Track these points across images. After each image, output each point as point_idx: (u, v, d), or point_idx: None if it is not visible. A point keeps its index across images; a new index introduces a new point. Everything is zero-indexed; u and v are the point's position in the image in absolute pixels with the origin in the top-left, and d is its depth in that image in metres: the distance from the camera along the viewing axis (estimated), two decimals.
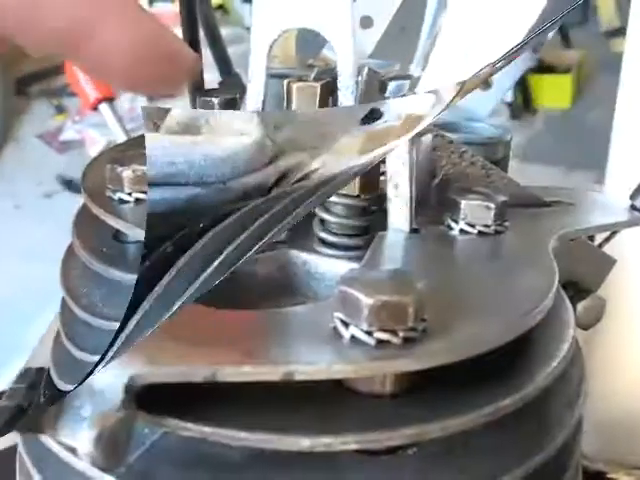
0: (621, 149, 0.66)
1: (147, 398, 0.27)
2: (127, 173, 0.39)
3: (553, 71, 3.47)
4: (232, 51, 0.59)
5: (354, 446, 0.27)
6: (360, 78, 0.40)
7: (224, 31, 0.59)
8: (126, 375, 0.26)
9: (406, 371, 0.28)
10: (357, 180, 0.39)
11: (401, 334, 0.27)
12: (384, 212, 0.40)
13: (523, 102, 3.35)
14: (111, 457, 0.24)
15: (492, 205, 0.39)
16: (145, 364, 0.26)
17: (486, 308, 0.32)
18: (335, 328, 0.28)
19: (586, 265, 0.49)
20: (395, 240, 0.38)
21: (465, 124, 0.53)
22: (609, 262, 0.51)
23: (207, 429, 0.27)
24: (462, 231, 0.39)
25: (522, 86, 3.33)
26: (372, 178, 0.39)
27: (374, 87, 0.42)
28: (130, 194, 0.39)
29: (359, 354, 0.27)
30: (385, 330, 0.27)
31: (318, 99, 0.39)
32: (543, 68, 3.44)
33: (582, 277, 0.49)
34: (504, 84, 0.55)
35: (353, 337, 0.27)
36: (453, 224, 0.40)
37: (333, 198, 0.39)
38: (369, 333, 0.27)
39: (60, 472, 0.31)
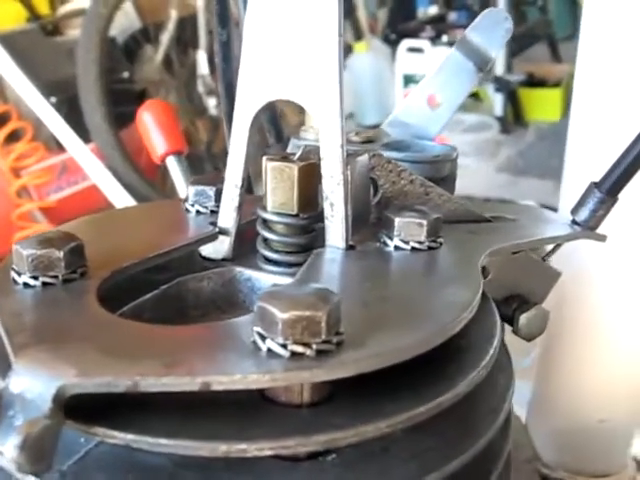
0: (575, 161, 0.68)
1: (78, 408, 0.29)
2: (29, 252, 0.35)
3: (543, 85, 3.50)
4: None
5: (268, 452, 0.29)
6: (349, 169, 0.40)
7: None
8: (55, 386, 0.28)
9: (319, 381, 0.30)
10: (296, 199, 0.41)
11: (314, 347, 0.29)
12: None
13: (514, 116, 3.38)
14: (36, 463, 0.26)
15: (425, 222, 0.41)
16: (73, 375, 0.28)
17: (408, 320, 0.34)
18: (254, 342, 0.30)
19: (531, 278, 0.51)
20: (331, 257, 0.40)
21: (415, 142, 0.55)
22: (554, 275, 0.53)
23: (131, 436, 0.29)
24: (397, 247, 0.41)
25: (512, 100, 3.36)
26: (310, 198, 0.41)
27: (364, 183, 0.43)
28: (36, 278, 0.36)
29: (274, 365, 0.29)
30: (299, 343, 0.29)
31: (297, 183, 0.40)
32: (533, 82, 3.48)
33: (527, 290, 0.51)
34: (453, 103, 0.56)
35: (270, 350, 0.29)
36: (388, 241, 0.42)
37: (273, 217, 0.41)
38: (284, 346, 0.29)
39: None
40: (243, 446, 0.28)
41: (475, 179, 2.79)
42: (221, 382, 0.28)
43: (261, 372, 0.29)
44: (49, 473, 0.30)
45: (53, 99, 2.27)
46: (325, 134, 0.39)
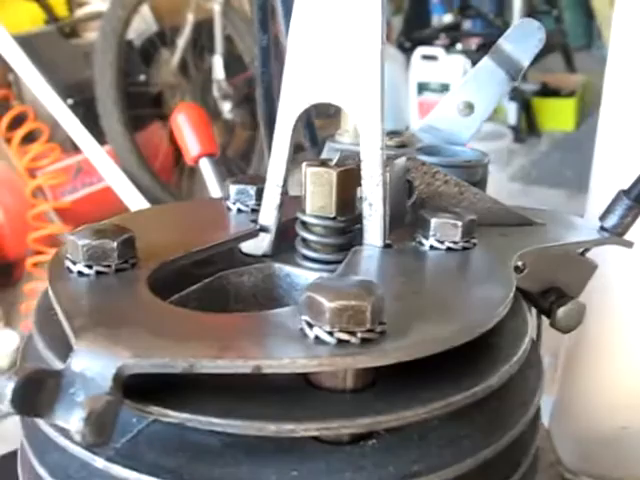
0: (602, 168, 0.69)
1: (135, 389, 0.31)
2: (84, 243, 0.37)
3: (557, 95, 3.51)
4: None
5: (314, 433, 0.30)
6: (387, 170, 0.41)
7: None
8: (115, 366, 0.29)
9: (362, 367, 0.31)
10: (334, 203, 0.42)
11: (359, 335, 0.31)
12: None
13: (527, 125, 3.40)
14: (98, 435, 0.28)
15: (460, 223, 0.43)
16: (131, 356, 0.30)
17: (444, 314, 0.36)
18: (302, 329, 0.32)
19: (567, 271, 0.53)
20: (368, 254, 0.42)
21: (447, 148, 0.57)
22: (590, 267, 0.54)
23: (185, 415, 0.30)
24: (432, 247, 0.43)
25: (526, 109, 3.37)
26: (347, 201, 0.43)
27: (401, 184, 0.45)
28: (90, 267, 0.37)
29: (321, 351, 0.30)
30: (345, 331, 0.31)
31: (335, 187, 0.41)
32: (547, 92, 3.49)
33: (564, 283, 0.52)
34: (485, 109, 0.58)
35: (317, 337, 0.31)
36: (424, 240, 0.43)
37: (312, 220, 0.43)
38: (331, 333, 0.31)
39: (60, 460, 0.35)
40: (291, 426, 0.30)
41: (488, 188, 2.80)
42: (271, 366, 0.30)
43: (309, 357, 0.30)
44: (105, 450, 0.31)
45: (70, 101, 2.30)
46: (365, 137, 0.40)
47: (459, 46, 3.41)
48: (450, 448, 0.34)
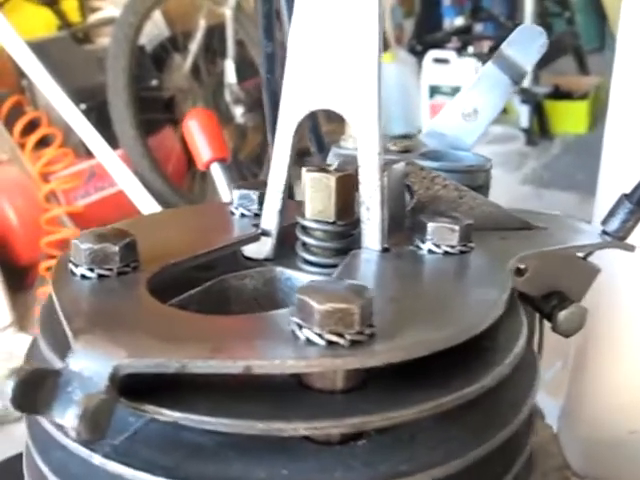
0: (609, 173, 0.70)
1: (131, 388, 0.32)
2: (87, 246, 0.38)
3: (570, 97, 3.50)
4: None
5: (303, 432, 0.31)
6: (386, 175, 0.42)
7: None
8: (111, 365, 0.30)
9: (351, 368, 0.32)
10: (333, 208, 0.43)
11: (348, 337, 0.32)
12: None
13: (539, 128, 3.39)
14: (93, 432, 0.29)
15: (457, 227, 0.43)
16: (127, 357, 0.31)
17: (437, 317, 0.37)
18: (293, 331, 0.32)
19: (570, 275, 0.53)
20: (366, 257, 0.43)
21: (451, 153, 0.58)
22: (592, 271, 0.55)
23: (178, 414, 0.31)
24: (429, 251, 0.44)
25: (539, 112, 3.36)
26: (347, 206, 0.44)
27: (399, 189, 0.46)
28: (92, 270, 0.38)
29: (311, 352, 0.31)
30: (334, 333, 0.32)
31: (334, 192, 0.42)
32: (560, 94, 3.49)
33: (566, 286, 0.53)
34: (488, 114, 0.59)
35: (307, 339, 0.32)
36: (421, 244, 0.44)
37: (312, 224, 0.44)
38: (320, 335, 0.32)
39: (62, 458, 0.36)
40: (280, 425, 0.31)
41: (499, 191, 2.79)
42: (262, 366, 0.31)
43: (298, 358, 0.31)
44: (105, 448, 0.32)
45: (83, 106, 2.32)
46: (363, 142, 0.41)
47: (471, 49, 3.41)
48: (440, 448, 0.34)
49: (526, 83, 3.24)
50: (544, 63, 3.47)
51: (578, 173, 2.91)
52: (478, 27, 3.80)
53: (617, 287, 0.69)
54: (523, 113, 3.30)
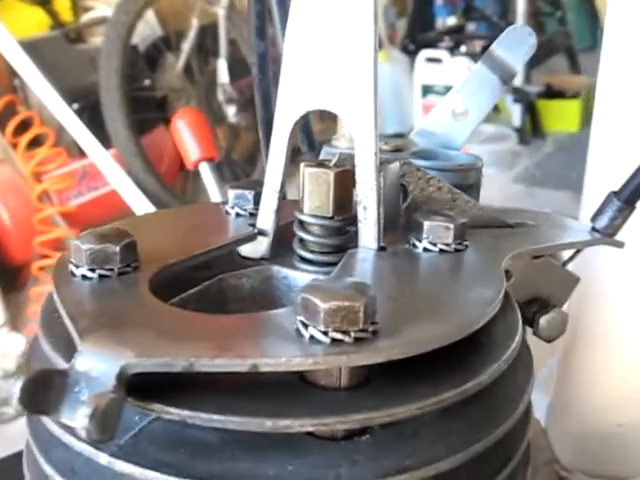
0: (596, 170, 0.71)
1: (137, 387, 0.32)
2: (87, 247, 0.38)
3: (562, 96, 3.52)
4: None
5: (310, 428, 0.32)
6: (382, 175, 0.42)
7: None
8: (118, 365, 0.31)
9: (356, 365, 0.33)
10: (331, 203, 0.43)
11: (353, 334, 0.32)
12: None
13: (532, 127, 3.40)
14: (103, 432, 0.29)
15: (452, 226, 0.44)
16: (134, 356, 0.31)
17: (436, 314, 0.37)
18: (297, 329, 0.33)
19: (551, 282, 0.54)
20: (363, 256, 0.43)
21: (442, 152, 0.58)
22: (573, 280, 0.56)
23: (185, 412, 0.32)
24: (425, 249, 0.44)
25: (531, 111, 3.38)
26: (344, 202, 0.44)
27: (395, 189, 0.46)
28: (93, 270, 0.38)
29: (316, 350, 0.32)
30: (339, 331, 0.32)
31: (333, 187, 0.43)
32: (552, 93, 3.50)
33: (548, 293, 0.54)
34: (478, 114, 0.59)
35: (312, 337, 0.32)
36: (417, 243, 0.44)
37: (310, 219, 0.44)
38: (325, 333, 0.32)
39: (65, 457, 0.36)
40: (287, 422, 0.31)
41: (492, 189, 2.81)
42: (268, 364, 0.31)
43: (304, 356, 0.31)
44: (109, 447, 0.32)
45: (75, 105, 2.32)
46: (360, 142, 0.42)
47: (463, 48, 3.42)
48: (442, 443, 0.35)
49: (518, 82, 3.26)
50: (536, 62, 3.50)
51: (570, 172, 2.92)
52: (470, 27, 3.82)
53: (604, 284, 0.70)
54: (515, 112, 3.31)
